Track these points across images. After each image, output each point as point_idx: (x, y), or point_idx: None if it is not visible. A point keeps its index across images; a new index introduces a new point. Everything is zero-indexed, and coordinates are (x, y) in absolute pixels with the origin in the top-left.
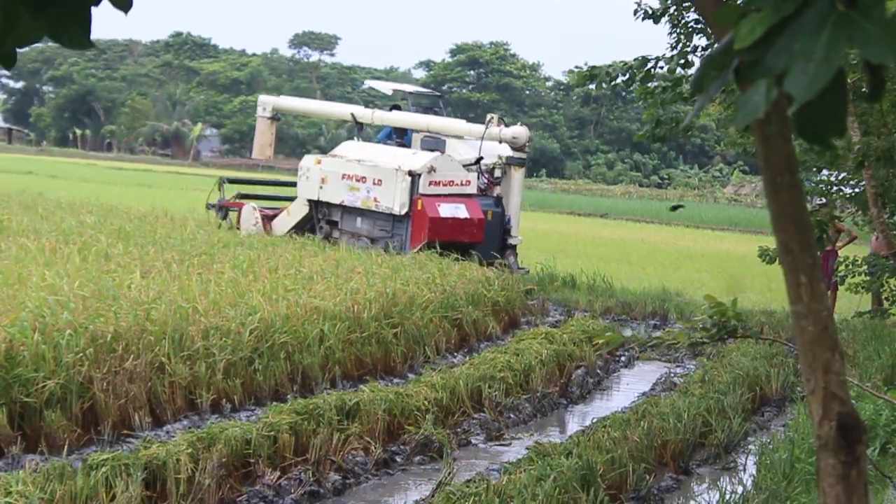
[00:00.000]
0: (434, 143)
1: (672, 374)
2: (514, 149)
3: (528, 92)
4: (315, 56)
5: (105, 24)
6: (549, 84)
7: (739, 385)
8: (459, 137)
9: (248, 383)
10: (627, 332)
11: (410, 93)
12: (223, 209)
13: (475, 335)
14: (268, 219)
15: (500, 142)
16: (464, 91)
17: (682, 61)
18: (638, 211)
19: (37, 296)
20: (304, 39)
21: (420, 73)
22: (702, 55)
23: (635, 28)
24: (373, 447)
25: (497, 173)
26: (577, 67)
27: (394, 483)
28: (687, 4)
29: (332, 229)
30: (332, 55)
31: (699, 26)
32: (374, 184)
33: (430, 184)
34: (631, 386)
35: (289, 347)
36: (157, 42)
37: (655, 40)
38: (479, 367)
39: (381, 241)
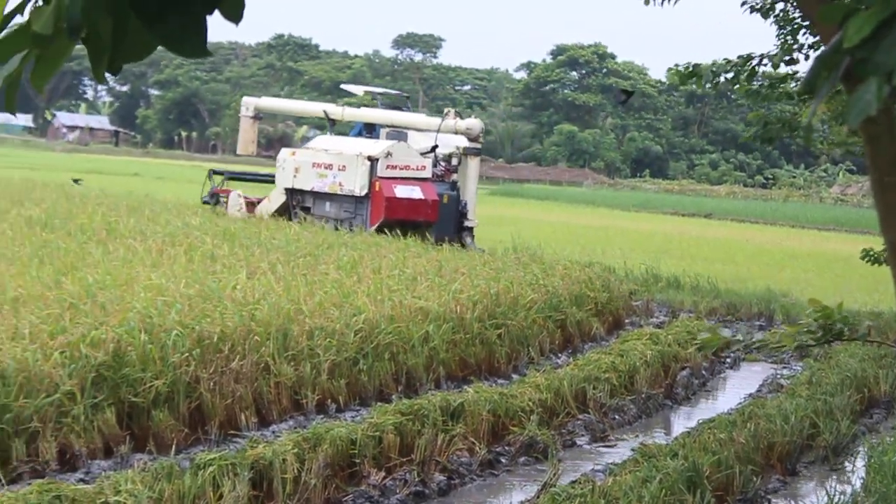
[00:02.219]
0: (397, 135)
1: (778, 376)
2: (469, 140)
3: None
4: (418, 57)
5: (210, 26)
6: (654, 86)
7: (847, 387)
8: (421, 130)
9: (352, 384)
10: (732, 334)
11: (380, 94)
12: (215, 196)
13: (579, 336)
14: (252, 204)
15: (456, 133)
16: (566, 91)
17: (787, 58)
18: (742, 211)
19: (144, 297)
20: (407, 41)
21: (521, 75)
22: (807, 53)
23: (735, 26)
24: (477, 448)
25: (454, 161)
26: (676, 65)
27: (499, 484)
28: (792, 1)
29: (305, 214)
30: (436, 57)
31: (805, 24)
32: (338, 170)
33: (388, 167)
34: (736, 387)
35: (393, 348)
36: (261, 44)
37: (757, 38)
38: (584, 368)
39: (346, 222)
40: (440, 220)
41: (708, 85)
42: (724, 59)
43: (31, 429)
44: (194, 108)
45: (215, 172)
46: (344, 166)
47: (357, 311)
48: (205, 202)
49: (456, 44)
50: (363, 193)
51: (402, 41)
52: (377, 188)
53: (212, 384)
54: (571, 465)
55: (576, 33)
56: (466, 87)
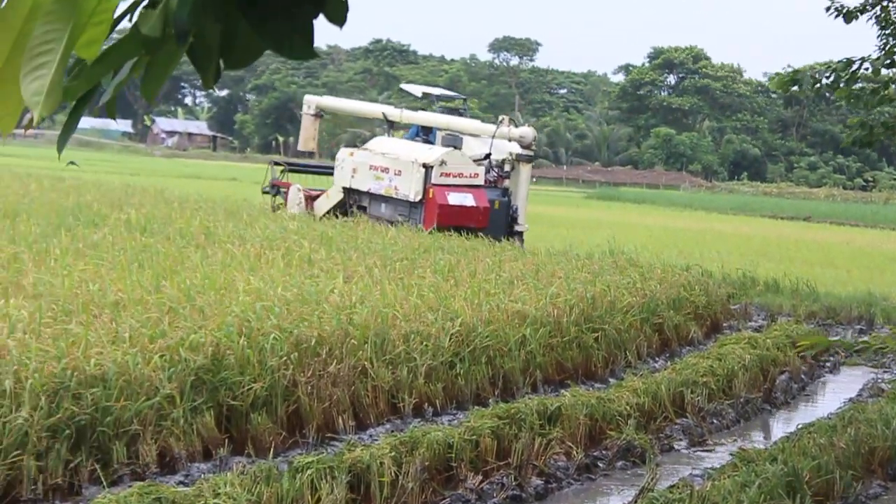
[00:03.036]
0: (453, 140)
1: (879, 380)
2: (522, 147)
3: (727, 93)
4: (514, 61)
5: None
6: (749, 86)
7: None
8: (475, 135)
9: (449, 387)
10: (833, 338)
11: (438, 96)
12: (275, 187)
13: (676, 340)
14: (311, 199)
15: (510, 140)
16: (662, 94)
17: (888, 62)
18: (842, 214)
19: (242, 300)
20: (503, 45)
21: (618, 78)
22: None
23: (834, 28)
24: (575, 452)
25: (507, 168)
26: (785, 67)
27: (596, 488)
28: (892, 4)
29: (361, 214)
30: (532, 60)
31: None
32: (394, 174)
33: (442, 175)
34: (836, 391)
35: (490, 352)
36: (357, 49)
37: (857, 40)
38: (681, 372)
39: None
40: (490, 224)
41: (809, 91)
42: (827, 62)
43: (131, 431)
44: (291, 112)
45: (276, 163)
46: (399, 171)
47: (454, 315)
48: (265, 192)
49: (553, 47)
50: (417, 199)
51: (499, 45)
52: (431, 195)
53: (309, 388)
54: (669, 469)
55: (674, 35)
56: (563, 91)
